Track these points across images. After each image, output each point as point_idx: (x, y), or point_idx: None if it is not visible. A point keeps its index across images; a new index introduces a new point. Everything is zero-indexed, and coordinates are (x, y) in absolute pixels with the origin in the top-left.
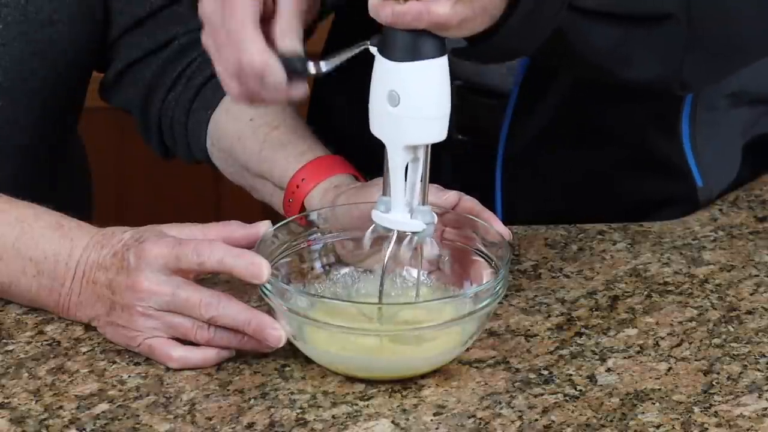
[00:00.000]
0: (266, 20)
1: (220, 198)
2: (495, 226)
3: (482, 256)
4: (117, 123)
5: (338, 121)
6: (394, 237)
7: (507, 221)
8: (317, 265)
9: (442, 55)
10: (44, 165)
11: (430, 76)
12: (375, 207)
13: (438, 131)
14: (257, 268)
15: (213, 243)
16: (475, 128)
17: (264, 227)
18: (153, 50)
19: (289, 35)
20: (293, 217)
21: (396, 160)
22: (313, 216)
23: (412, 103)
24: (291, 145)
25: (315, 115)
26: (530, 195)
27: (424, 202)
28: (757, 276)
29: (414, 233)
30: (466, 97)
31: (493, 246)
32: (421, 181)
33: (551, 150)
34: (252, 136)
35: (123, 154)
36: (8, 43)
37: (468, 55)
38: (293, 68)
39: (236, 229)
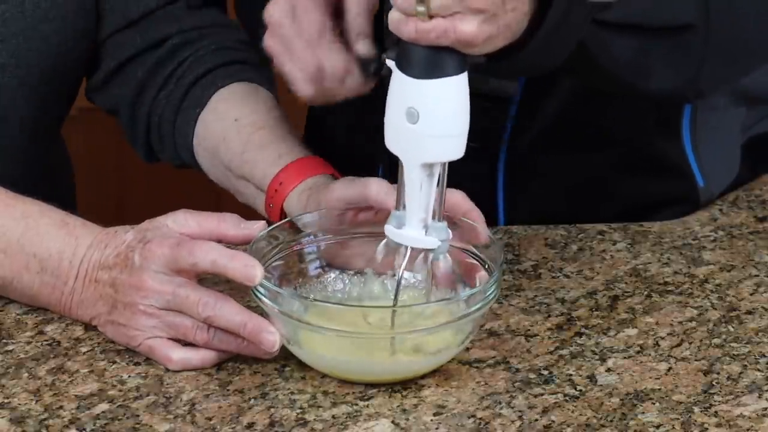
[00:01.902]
0: (336, 17)
1: (220, 198)
2: (479, 228)
3: (476, 258)
4: (117, 123)
5: (332, 131)
6: (408, 253)
7: (509, 222)
8: (311, 267)
9: (462, 72)
10: (31, 164)
11: (452, 93)
12: (387, 221)
13: (457, 149)
14: (250, 270)
15: (208, 244)
16: (478, 132)
17: (258, 228)
18: (146, 49)
19: (362, 37)
20: (287, 219)
21: (412, 177)
22: (300, 219)
23: (432, 120)
24: (271, 147)
25: (311, 126)
26: (532, 197)
27: (439, 218)
28: (757, 276)
29: (429, 250)
30: None
31: (486, 248)
32: (437, 197)
33: (553, 152)
34: (236, 136)
35: (123, 154)
36: (6, 39)
37: (490, 71)
38: (370, 70)
39: (230, 227)
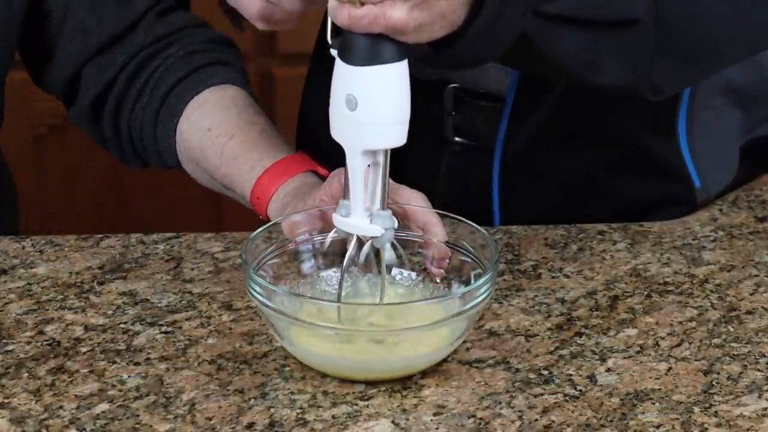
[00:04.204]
0: None
1: (219, 197)
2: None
3: (470, 257)
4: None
5: (320, 130)
6: (354, 241)
7: (503, 222)
8: (306, 266)
9: (400, 60)
10: None
11: (388, 81)
12: (336, 210)
13: (396, 136)
14: None
15: None
16: (472, 131)
17: None
18: (125, 65)
19: None
20: (281, 218)
21: (354, 164)
22: (297, 217)
23: (369, 107)
24: (243, 158)
25: (302, 126)
26: (527, 197)
27: (383, 206)
28: (757, 276)
29: (373, 238)
30: (462, 99)
31: (481, 247)
32: (382, 185)
33: (548, 152)
34: (211, 147)
35: None
36: None
37: (433, 61)
38: None
39: None
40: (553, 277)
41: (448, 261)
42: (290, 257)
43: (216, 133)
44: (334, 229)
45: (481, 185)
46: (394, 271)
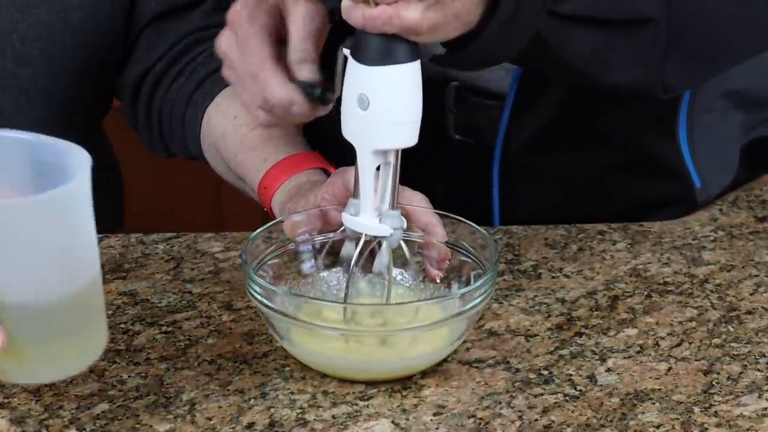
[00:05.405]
0: (281, 43)
1: (220, 192)
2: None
3: (470, 257)
4: (118, 122)
5: (327, 125)
6: (362, 240)
7: (503, 221)
8: (306, 266)
9: (413, 60)
10: (80, 138)
11: (400, 81)
12: (345, 209)
13: (408, 136)
14: None
15: None
16: (473, 129)
17: None
18: (174, 44)
19: (305, 63)
20: (281, 218)
21: (365, 163)
22: (298, 217)
23: (381, 107)
24: (259, 149)
25: (309, 131)
26: (527, 196)
27: (393, 206)
28: (757, 276)
29: (381, 238)
30: (463, 97)
31: (481, 248)
32: (392, 185)
33: (548, 151)
34: (233, 135)
35: (124, 153)
36: (26, 10)
37: (448, 62)
38: (315, 95)
39: None
40: (553, 277)
41: (447, 262)
42: (290, 257)
43: (240, 121)
44: (342, 228)
45: (481, 184)
46: (395, 271)
